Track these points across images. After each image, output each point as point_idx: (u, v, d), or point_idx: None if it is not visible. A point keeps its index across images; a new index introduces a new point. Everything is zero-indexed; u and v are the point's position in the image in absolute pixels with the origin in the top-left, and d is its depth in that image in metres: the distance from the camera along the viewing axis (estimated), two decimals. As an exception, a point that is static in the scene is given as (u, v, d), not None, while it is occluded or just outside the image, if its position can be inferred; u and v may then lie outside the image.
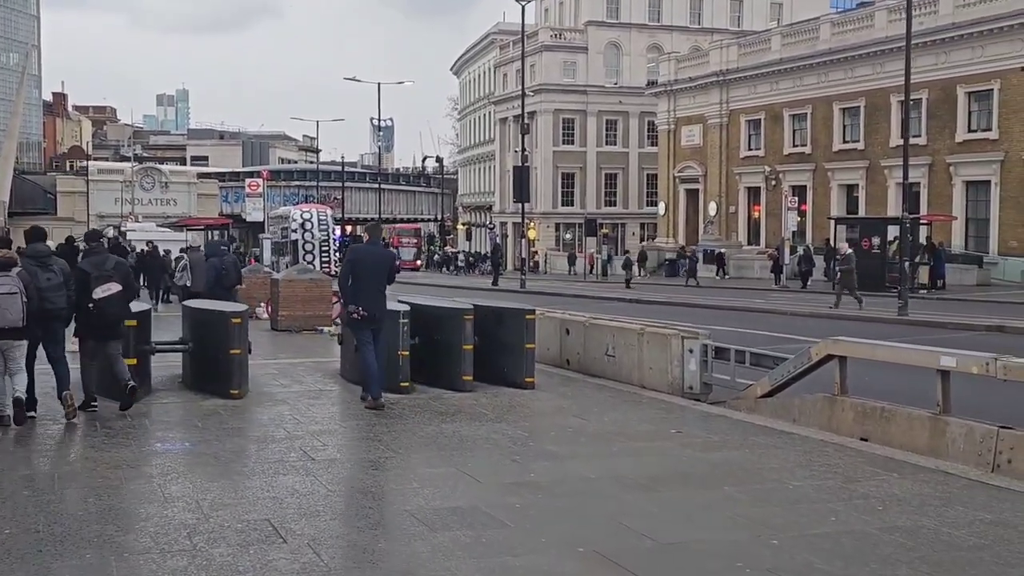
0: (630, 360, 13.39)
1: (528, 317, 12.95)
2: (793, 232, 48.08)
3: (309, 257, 45.08)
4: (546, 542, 6.08)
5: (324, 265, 43.16)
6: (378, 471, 8.32)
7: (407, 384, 12.32)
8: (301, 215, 48.38)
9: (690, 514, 6.90)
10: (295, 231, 47.46)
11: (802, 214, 50.69)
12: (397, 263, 14.44)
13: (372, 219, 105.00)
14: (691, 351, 12.47)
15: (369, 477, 8.13)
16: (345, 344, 13.75)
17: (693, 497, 7.41)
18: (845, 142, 50.98)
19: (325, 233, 47.72)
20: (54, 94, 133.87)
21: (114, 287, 10.76)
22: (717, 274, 49.61)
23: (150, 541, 6.09)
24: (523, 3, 42.36)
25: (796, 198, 49.86)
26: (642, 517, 6.69)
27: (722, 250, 52.51)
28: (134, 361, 11.53)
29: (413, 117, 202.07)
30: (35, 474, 8.21)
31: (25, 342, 10.13)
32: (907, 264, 28.55)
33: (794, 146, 54.42)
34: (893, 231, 41.32)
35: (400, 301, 13.96)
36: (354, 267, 11.72)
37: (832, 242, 43.74)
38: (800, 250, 44.22)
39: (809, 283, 42.00)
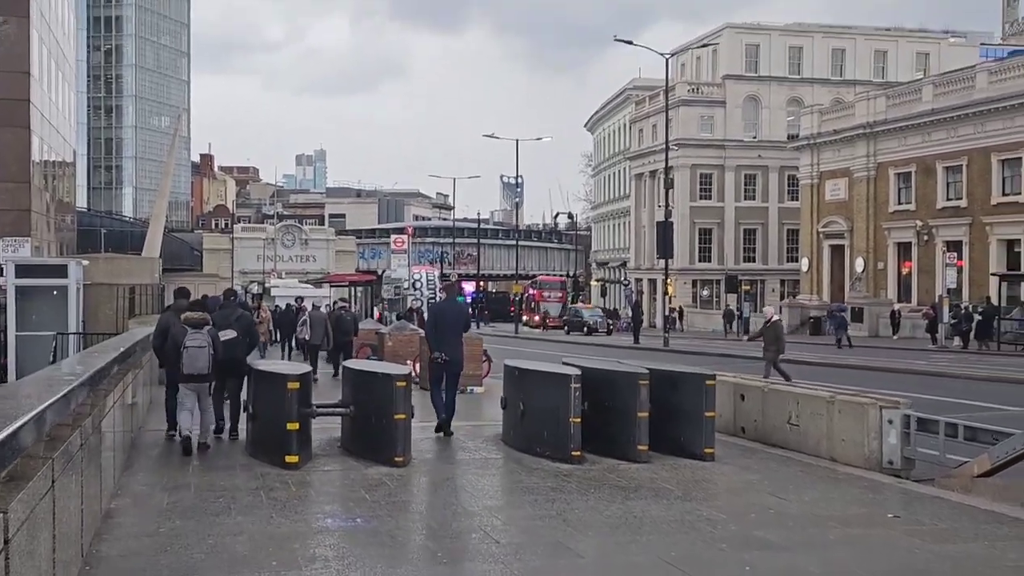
0: (817, 430, 12.31)
1: (708, 383, 12.04)
2: (950, 289, 45.73)
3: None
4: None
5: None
6: (573, 560, 7.49)
7: (578, 453, 11.53)
8: (413, 276, 54.50)
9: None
10: (405, 289, 52.61)
11: (959, 270, 48.26)
12: (470, 315, 17.89)
13: (503, 275, 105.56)
14: (891, 422, 11.35)
15: (565, 568, 7.31)
16: (509, 409, 13.05)
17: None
18: (1005, 195, 48.48)
19: (432, 291, 51.10)
20: (201, 155, 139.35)
21: (230, 333, 13.13)
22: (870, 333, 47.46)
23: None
24: (667, 56, 41.68)
25: (954, 253, 47.49)
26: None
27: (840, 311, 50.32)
28: (296, 426, 11.08)
29: (539, 173, 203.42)
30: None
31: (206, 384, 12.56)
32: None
33: (948, 199, 52.07)
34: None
35: (566, 363, 13.23)
36: (437, 320, 14.27)
37: (999, 300, 41.57)
38: (963, 308, 42.01)
39: (970, 342, 39.84)
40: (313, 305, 27.70)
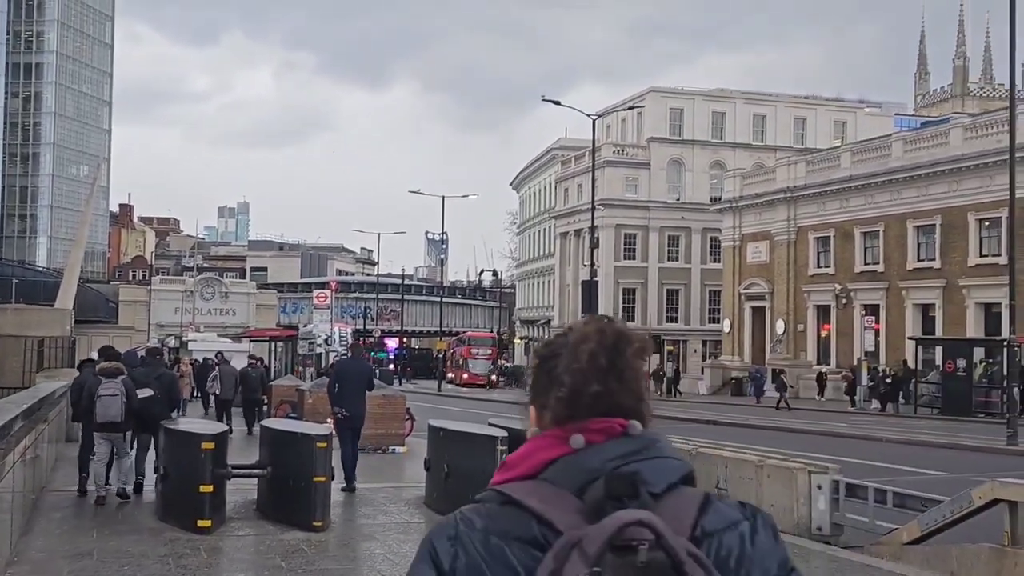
0: (745, 495, 12.11)
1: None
2: (867, 352, 46.46)
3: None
4: None
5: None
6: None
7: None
8: (326, 333, 54.77)
9: None
10: (319, 345, 52.38)
11: (876, 333, 49.08)
12: (375, 375, 18.37)
13: (427, 331, 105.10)
14: (820, 487, 11.22)
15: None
16: (433, 471, 12.67)
17: None
18: (920, 260, 49.61)
19: (345, 348, 50.79)
20: (121, 205, 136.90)
21: (147, 391, 13.01)
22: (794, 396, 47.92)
23: None
24: (594, 117, 42.09)
25: (872, 317, 48.34)
26: None
27: (782, 372, 51.09)
28: (210, 488, 10.57)
29: (464, 230, 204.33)
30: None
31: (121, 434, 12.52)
32: (1016, 389, 26.68)
33: (866, 264, 53.12)
34: (979, 353, 39.95)
35: (492, 424, 12.96)
36: (339, 377, 14.96)
37: (915, 363, 42.33)
38: (880, 371, 42.68)
39: (888, 406, 40.39)
40: (223, 359, 27.42)
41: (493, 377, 70.88)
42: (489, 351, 75.50)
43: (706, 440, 16.46)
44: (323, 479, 10.85)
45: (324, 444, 10.94)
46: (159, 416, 12.92)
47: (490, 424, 12.60)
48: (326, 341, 52.17)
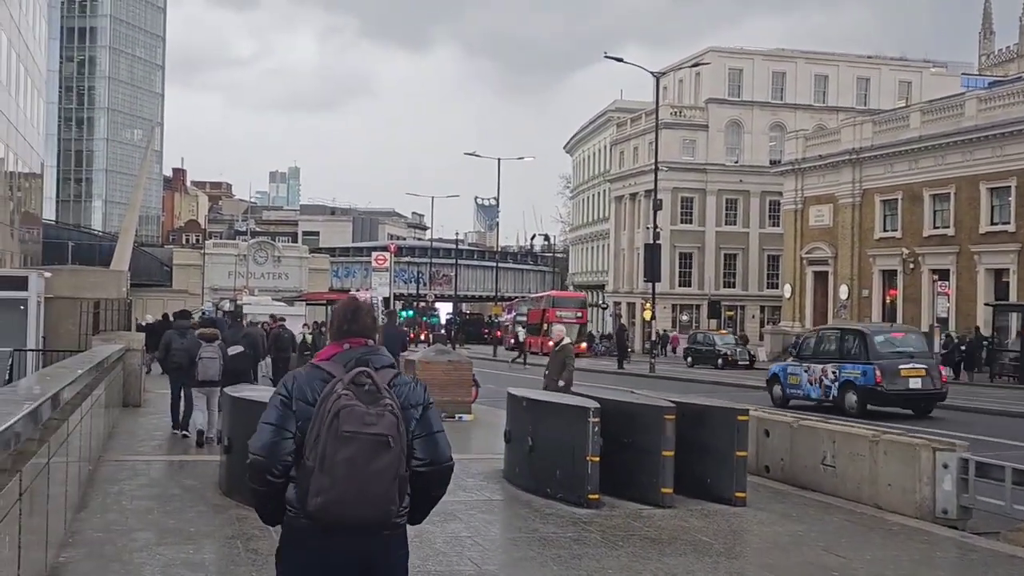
0: (857, 473, 11.09)
1: (740, 418, 10.81)
2: (939, 318, 44.84)
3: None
4: None
5: None
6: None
7: (596, 496, 10.25)
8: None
9: None
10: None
11: (947, 299, 47.39)
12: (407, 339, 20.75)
13: (479, 296, 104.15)
14: (946, 466, 10.14)
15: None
16: (514, 443, 11.75)
17: None
18: (993, 224, 47.74)
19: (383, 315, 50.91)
20: (174, 170, 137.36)
21: (238, 348, 15.75)
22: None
23: None
24: (657, 75, 40.68)
25: (944, 282, 46.65)
26: None
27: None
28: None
29: (513, 196, 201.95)
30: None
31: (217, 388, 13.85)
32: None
33: (935, 228, 51.29)
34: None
35: (578, 394, 12.00)
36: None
37: (991, 330, 40.81)
38: (955, 338, 41.16)
39: (962, 374, 38.91)
40: (250, 322, 27.05)
41: (583, 345, 58.80)
42: (579, 313, 65.13)
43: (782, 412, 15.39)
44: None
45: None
46: (247, 368, 16.14)
47: (579, 395, 11.64)
48: (385, 303, 51.70)
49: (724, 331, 60.82)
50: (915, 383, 22.89)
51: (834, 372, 23.68)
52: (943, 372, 24.75)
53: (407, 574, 3.87)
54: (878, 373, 22.54)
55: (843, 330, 26.42)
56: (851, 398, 23.08)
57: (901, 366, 22.80)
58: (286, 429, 3.67)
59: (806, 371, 24.75)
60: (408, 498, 3.74)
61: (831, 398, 23.73)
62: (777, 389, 25.86)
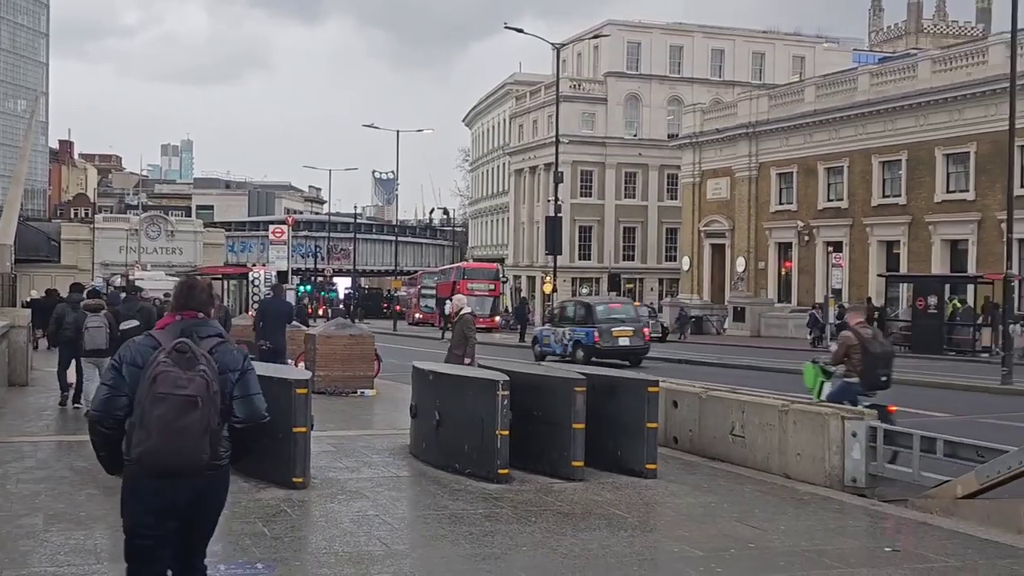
0: (767, 443, 11.07)
1: (650, 389, 10.65)
2: (833, 290, 45.75)
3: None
4: None
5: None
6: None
7: (506, 471, 10.01)
8: (251, 276, 51.77)
9: None
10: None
11: (841, 271, 48.37)
12: (296, 312, 21.81)
13: (377, 270, 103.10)
14: (855, 434, 10.16)
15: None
16: (420, 418, 11.44)
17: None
18: (885, 196, 48.90)
19: (269, 287, 49.15)
20: (61, 141, 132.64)
21: (133, 322, 15.28)
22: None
23: None
24: (557, 47, 40.46)
25: (839, 254, 47.59)
26: None
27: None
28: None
29: (410, 168, 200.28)
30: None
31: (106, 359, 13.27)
32: (1014, 326, 26.09)
33: (829, 200, 52.34)
34: (949, 291, 39.42)
35: (485, 366, 11.74)
36: (263, 314, 17.59)
37: (880, 301, 41.76)
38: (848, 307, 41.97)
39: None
40: (142, 297, 25.45)
41: (497, 319, 57.89)
42: (492, 286, 61.66)
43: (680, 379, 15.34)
44: (303, 430, 9.58)
45: (304, 390, 9.66)
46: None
47: (484, 367, 11.37)
48: (281, 278, 50.55)
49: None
50: (624, 341, 29.74)
51: (569, 334, 30.33)
52: (647, 333, 31.62)
53: (224, 505, 4.75)
54: (596, 334, 29.23)
55: (576, 302, 34.45)
56: (579, 353, 29.33)
57: (614, 329, 29.66)
58: (118, 389, 4.48)
59: (553, 333, 31.49)
60: (228, 444, 4.56)
61: (568, 353, 29.81)
62: (537, 348, 32.29)
